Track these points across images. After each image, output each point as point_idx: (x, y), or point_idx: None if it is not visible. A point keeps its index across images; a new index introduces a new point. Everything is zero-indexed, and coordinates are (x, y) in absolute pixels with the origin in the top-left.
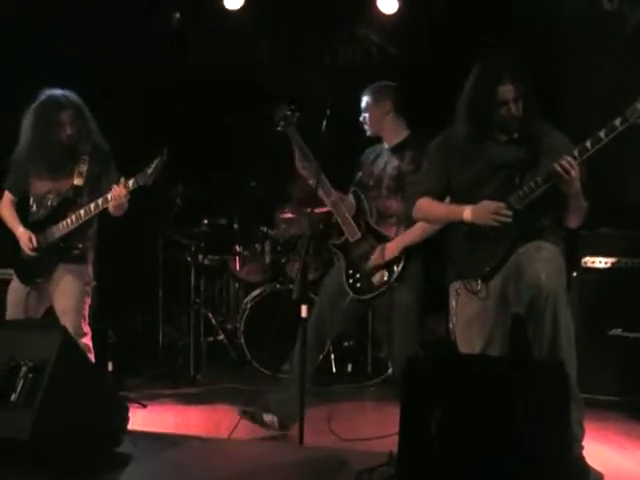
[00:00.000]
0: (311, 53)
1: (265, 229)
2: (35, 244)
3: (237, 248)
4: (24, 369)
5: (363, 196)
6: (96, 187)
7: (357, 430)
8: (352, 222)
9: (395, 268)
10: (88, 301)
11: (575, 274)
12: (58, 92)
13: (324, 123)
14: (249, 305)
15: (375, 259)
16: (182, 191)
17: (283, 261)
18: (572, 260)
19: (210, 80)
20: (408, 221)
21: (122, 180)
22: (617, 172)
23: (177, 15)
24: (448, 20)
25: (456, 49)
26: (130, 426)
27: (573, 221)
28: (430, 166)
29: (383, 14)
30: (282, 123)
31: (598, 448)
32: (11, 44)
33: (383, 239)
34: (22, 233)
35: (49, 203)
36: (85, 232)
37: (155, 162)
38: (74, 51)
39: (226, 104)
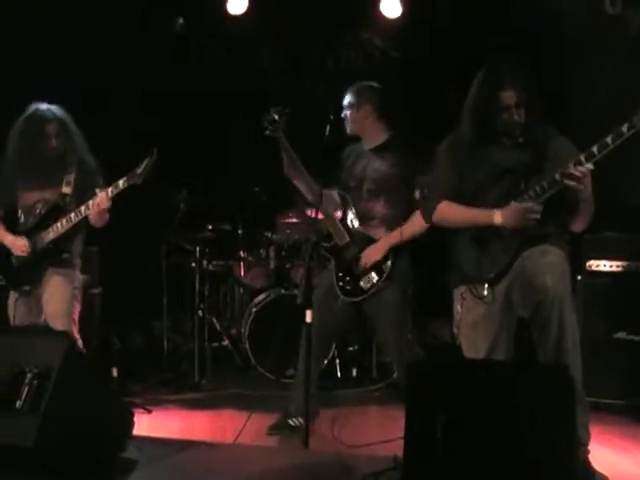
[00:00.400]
0: (314, 57)
1: (269, 234)
2: (28, 248)
3: (241, 253)
4: (29, 376)
5: (349, 198)
6: (83, 195)
7: (362, 435)
8: (340, 226)
9: (383, 269)
10: (78, 306)
11: (580, 278)
12: (44, 106)
13: (327, 128)
14: (254, 310)
15: (364, 262)
16: (186, 197)
17: (287, 266)
18: (577, 264)
19: (213, 85)
20: (391, 223)
21: (105, 187)
22: (621, 175)
23: (180, 20)
24: (451, 24)
25: (459, 53)
26: (135, 431)
27: (579, 225)
28: (443, 169)
29: (386, 18)
30: (270, 127)
31: (603, 452)
32: (11, 45)
33: (371, 242)
34: (12, 240)
35: (38, 212)
36: (73, 238)
37: (145, 162)
38: (74, 56)
39: (229, 109)
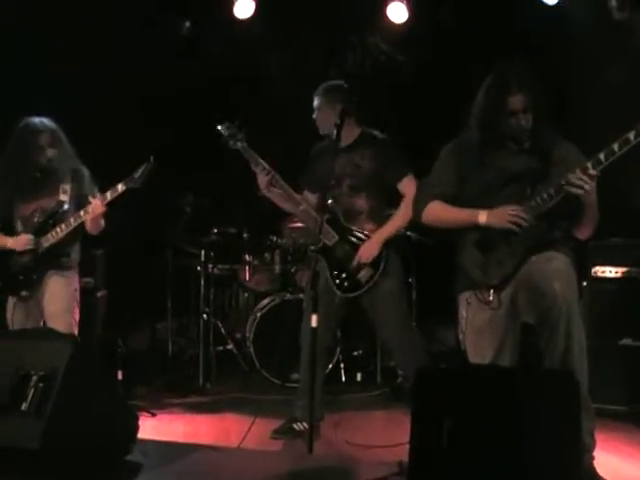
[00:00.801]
0: (320, 62)
1: (275, 238)
2: (32, 240)
3: (247, 257)
4: (34, 378)
5: (330, 198)
6: (79, 202)
7: (366, 439)
8: (327, 226)
9: (380, 262)
10: (77, 309)
11: (585, 284)
12: (35, 119)
13: (334, 131)
14: (258, 314)
15: (363, 259)
16: (192, 200)
17: (292, 270)
18: (582, 270)
19: (217, 88)
20: (377, 216)
21: (99, 195)
22: (627, 182)
23: (187, 24)
24: (456, 29)
25: (464, 58)
26: (139, 435)
27: (584, 232)
28: (444, 170)
29: (392, 23)
30: (231, 141)
31: (608, 458)
32: (13, 49)
33: (360, 237)
34: (14, 241)
35: (35, 220)
36: (72, 242)
37: (142, 167)
38: (80, 59)
39: (235, 112)
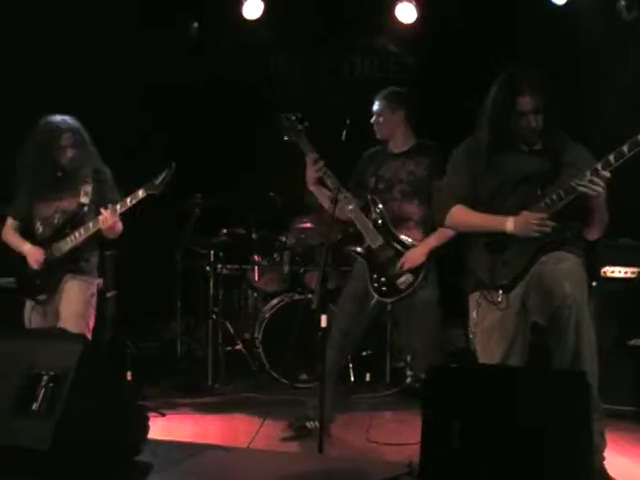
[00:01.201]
0: (329, 63)
1: (283, 239)
2: (43, 258)
3: (255, 258)
4: (45, 378)
5: (380, 202)
6: (100, 204)
7: (376, 439)
8: (374, 229)
9: (420, 271)
10: (92, 314)
11: (594, 284)
12: (57, 117)
13: (343, 133)
14: (267, 315)
15: (406, 264)
16: (201, 201)
17: (301, 271)
18: (591, 270)
19: (229, 90)
20: (425, 224)
21: (110, 205)
22: (636, 182)
23: (195, 25)
24: (465, 30)
25: (473, 59)
26: (149, 435)
27: (594, 233)
28: (459, 173)
29: (401, 23)
30: (291, 132)
31: (617, 459)
32: (22, 44)
33: (405, 244)
34: (29, 249)
35: (55, 221)
36: (91, 246)
37: (163, 173)
38: (90, 58)
39: (244, 114)
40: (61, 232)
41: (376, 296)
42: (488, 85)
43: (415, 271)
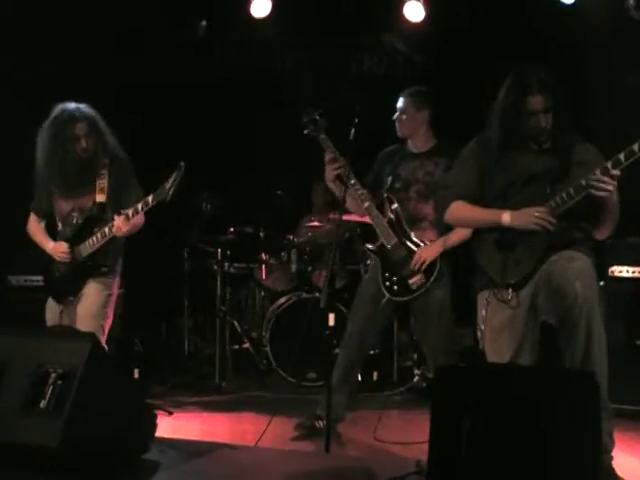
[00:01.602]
0: (337, 61)
1: (291, 237)
2: (68, 253)
3: (263, 256)
4: (53, 376)
5: (396, 201)
6: (118, 201)
7: (383, 439)
8: (388, 227)
9: (432, 271)
10: (110, 314)
11: (602, 283)
12: (71, 106)
13: (352, 131)
14: (275, 313)
15: (419, 262)
16: (208, 199)
17: (309, 269)
18: (599, 269)
19: (237, 88)
20: (439, 225)
21: (122, 212)
22: None
23: (203, 23)
24: (472, 29)
25: (481, 58)
26: (156, 433)
27: (604, 232)
28: (466, 170)
29: (409, 22)
30: (311, 127)
31: (625, 459)
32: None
33: (419, 245)
34: (54, 246)
35: (74, 221)
36: (111, 250)
37: (173, 176)
38: (96, 53)
39: (253, 112)
40: (80, 234)
41: (387, 295)
42: (496, 84)
43: (427, 272)
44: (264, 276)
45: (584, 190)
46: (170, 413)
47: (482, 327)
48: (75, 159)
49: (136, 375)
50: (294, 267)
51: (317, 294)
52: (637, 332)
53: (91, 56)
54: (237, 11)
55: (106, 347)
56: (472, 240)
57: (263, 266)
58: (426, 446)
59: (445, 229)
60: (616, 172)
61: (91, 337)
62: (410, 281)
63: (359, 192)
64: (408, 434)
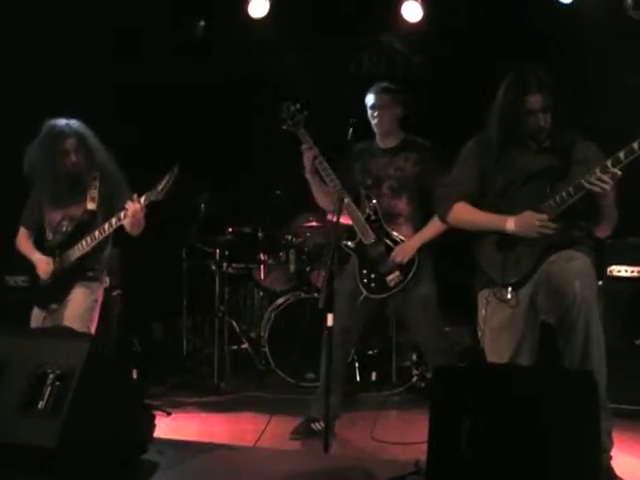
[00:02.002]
0: (335, 62)
1: (290, 237)
2: (51, 268)
3: (261, 256)
4: (51, 377)
5: (373, 197)
6: (110, 209)
7: (382, 439)
8: (366, 225)
9: (410, 267)
10: (95, 318)
11: (601, 283)
12: (61, 122)
13: (350, 131)
14: (274, 314)
15: (397, 260)
16: (207, 199)
17: (308, 270)
18: (598, 269)
19: (235, 89)
20: (415, 220)
21: (135, 196)
22: None
23: (201, 23)
24: (471, 29)
25: (479, 58)
26: (155, 434)
27: (603, 231)
28: (466, 169)
29: (406, 22)
30: (289, 122)
31: (624, 458)
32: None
33: (397, 241)
34: (38, 258)
35: (64, 229)
36: (99, 255)
37: (166, 178)
38: (95, 54)
39: (251, 112)
40: (70, 240)
41: (365, 292)
42: (495, 84)
43: (405, 269)
44: (263, 276)
45: (583, 189)
46: (169, 413)
47: (482, 326)
48: (65, 173)
49: (134, 375)
50: (293, 267)
51: (316, 294)
52: (636, 331)
53: (89, 57)
54: (235, 11)
55: None
56: (472, 240)
57: (262, 266)
58: (425, 446)
59: (420, 224)
60: (616, 170)
61: (89, 338)
62: (388, 278)
63: (337, 187)
64: (407, 434)
